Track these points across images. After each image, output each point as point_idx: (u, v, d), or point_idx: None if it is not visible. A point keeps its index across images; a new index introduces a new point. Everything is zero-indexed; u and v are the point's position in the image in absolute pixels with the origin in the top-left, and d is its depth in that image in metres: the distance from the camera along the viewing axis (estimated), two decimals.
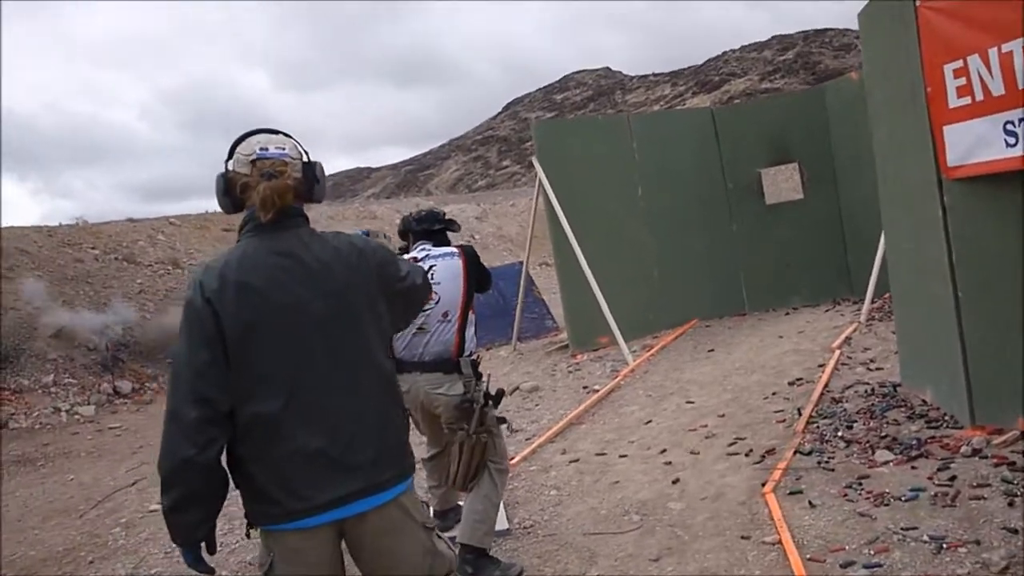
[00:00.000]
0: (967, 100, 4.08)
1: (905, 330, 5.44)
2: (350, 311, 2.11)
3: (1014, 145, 3.83)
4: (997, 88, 3.86)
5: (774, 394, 5.92)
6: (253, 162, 2.13)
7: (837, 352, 6.72)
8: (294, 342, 2.03)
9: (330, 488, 2.02)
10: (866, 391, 5.50)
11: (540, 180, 8.74)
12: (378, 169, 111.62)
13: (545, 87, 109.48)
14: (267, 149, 2.15)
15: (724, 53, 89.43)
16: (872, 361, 6.42)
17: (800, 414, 5.16)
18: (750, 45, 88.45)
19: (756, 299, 9.45)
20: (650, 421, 5.83)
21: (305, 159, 2.23)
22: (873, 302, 7.89)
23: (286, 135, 2.24)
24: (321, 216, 23.29)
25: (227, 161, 2.18)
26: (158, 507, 5.98)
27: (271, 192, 2.06)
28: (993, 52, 3.85)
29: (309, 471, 2.01)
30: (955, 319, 4.38)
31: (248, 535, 2.18)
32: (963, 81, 4.09)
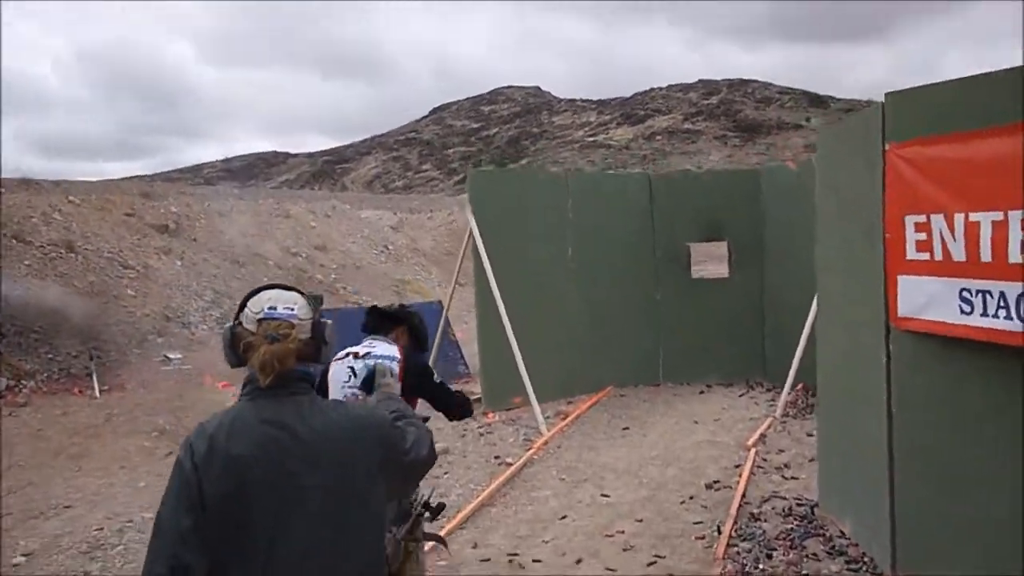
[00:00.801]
0: (926, 256, 4.03)
1: (827, 449, 5.40)
2: (342, 487, 2.01)
3: (969, 313, 3.79)
4: (958, 254, 3.81)
5: (691, 498, 5.81)
6: (260, 321, 2.06)
7: (753, 452, 6.69)
8: (276, 516, 1.95)
9: None
10: (784, 508, 5.44)
11: (471, 228, 8.48)
12: (296, 155, 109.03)
13: (474, 97, 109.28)
14: (275, 308, 2.08)
15: (652, 89, 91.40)
16: (787, 467, 6.40)
17: (720, 532, 5.04)
18: (677, 85, 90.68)
19: (672, 371, 9.42)
20: (565, 516, 5.62)
21: (315, 318, 2.15)
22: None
23: (300, 292, 2.18)
24: (230, 209, 22.39)
25: (238, 313, 2.12)
26: (22, 559, 5.48)
27: (271, 356, 1.98)
28: (959, 217, 3.80)
29: None
30: (887, 459, 4.34)
31: None
32: (924, 236, 4.03)
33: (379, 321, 3.80)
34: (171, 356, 12.04)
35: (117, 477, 6.93)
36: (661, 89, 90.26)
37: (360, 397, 3.23)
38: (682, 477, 6.29)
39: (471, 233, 8.51)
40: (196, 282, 17.24)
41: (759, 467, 6.44)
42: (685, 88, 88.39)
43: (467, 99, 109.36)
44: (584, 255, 9.01)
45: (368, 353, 3.61)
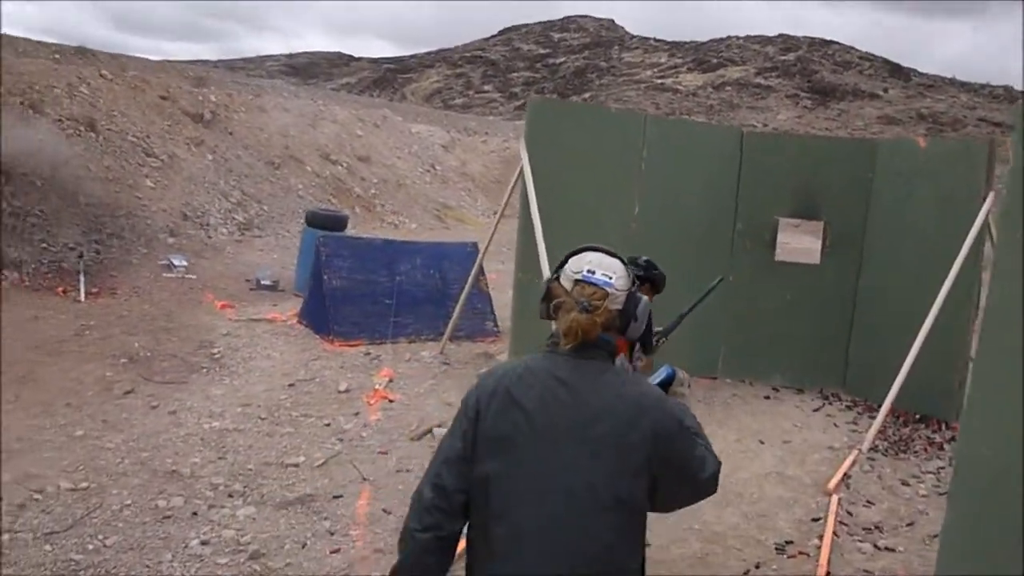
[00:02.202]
0: None
1: (961, 524, 3.87)
2: (604, 466, 1.90)
3: None
4: None
5: (757, 567, 4.34)
6: (576, 282, 2.04)
7: (835, 501, 5.19)
8: (535, 471, 1.93)
9: None
10: None
11: (523, 167, 6.91)
12: (359, 59, 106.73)
13: (545, 22, 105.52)
14: (594, 273, 2.04)
15: (728, 37, 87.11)
16: (879, 530, 4.91)
17: None
18: (755, 36, 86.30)
19: (734, 366, 7.86)
20: None
21: (632, 290, 2.09)
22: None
23: (623, 261, 2.11)
24: (274, 105, 20.88)
25: (558, 268, 2.12)
26: None
27: (577, 325, 1.96)
28: None
29: None
30: None
31: None
32: None
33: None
34: (176, 263, 10.72)
35: (54, 419, 5.62)
36: (739, 38, 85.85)
37: None
38: (745, 528, 4.82)
39: (521, 171, 6.94)
40: (224, 180, 15.88)
41: (842, 523, 4.96)
42: (764, 41, 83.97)
43: (538, 23, 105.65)
44: (651, 215, 7.40)
45: None
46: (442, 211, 21.95)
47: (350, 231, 12.83)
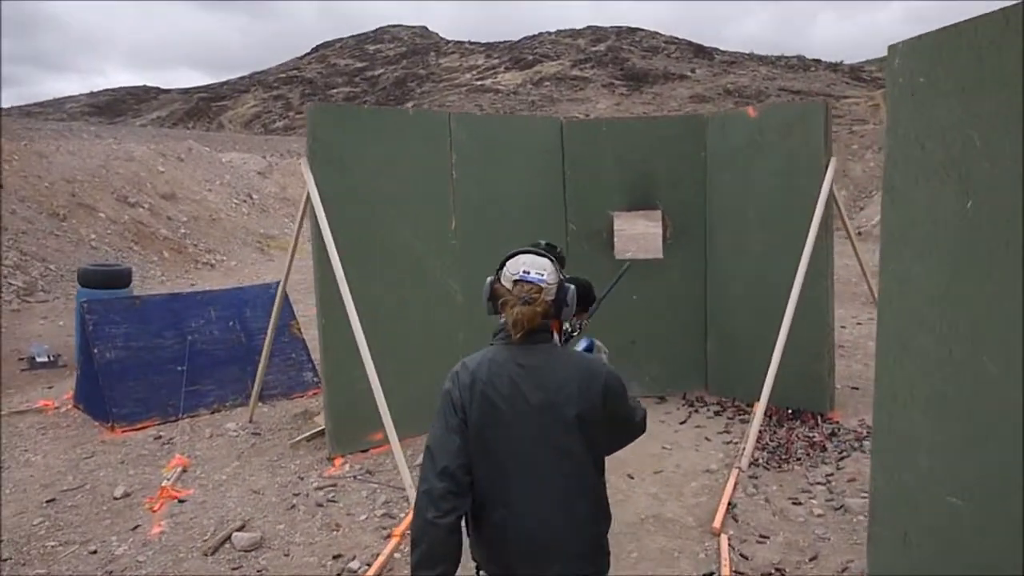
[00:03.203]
0: None
1: (890, 537, 3.02)
2: (568, 427, 2.26)
3: None
4: None
5: None
6: (515, 282, 2.36)
7: (725, 544, 4.31)
8: (519, 443, 2.26)
9: (534, 567, 2.26)
10: None
11: (308, 191, 5.67)
12: (168, 91, 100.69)
13: (359, 35, 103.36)
14: (528, 273, 2.36)
15: (540, 34, 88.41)
16: (780, 572, 4.06)
17: None
18: (566, 31, 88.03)
19: None
20: None
21: (560, 281, 2.40)
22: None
23: (550, 259, 2.41)
24: (56, 149, 18.41)
25: (498, 271, 2.44)
26: None
27: (522, 317, 2.29)
28: None
29: (522, 549, 2.26)
30: None
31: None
32: None
33: None
34: None
35: None
36: (550, 34, 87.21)
37: None
38: None
39: (308, 195, 5.69)
40: None
41: (739, 573, 4.07)
42: (574, 34, 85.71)
43: (352, 37, 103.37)
44: (472, 228, 6.37)
45: None
46: (264, 242, 20.15)
47: (158, 280, 11.06)
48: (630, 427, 2.46)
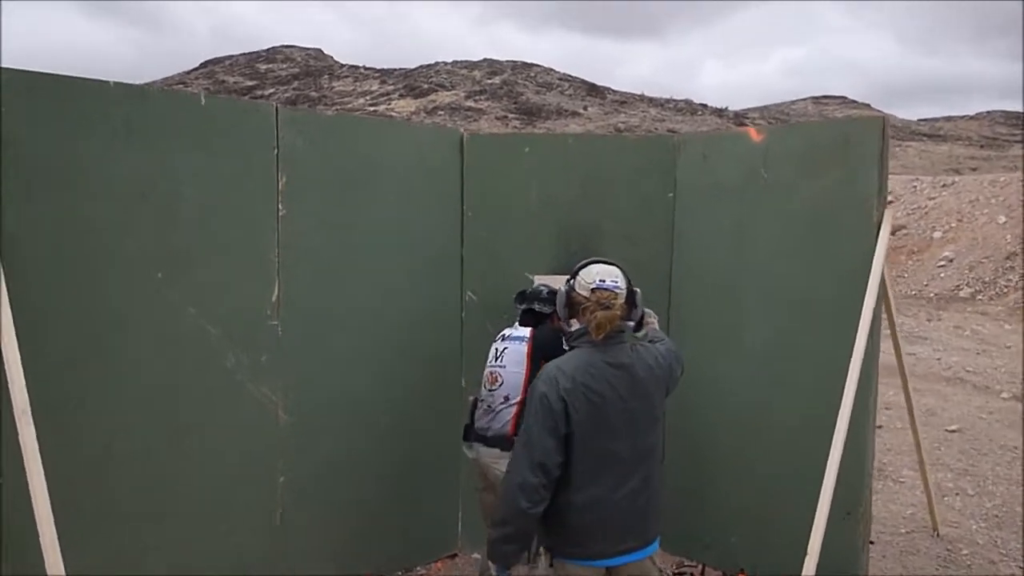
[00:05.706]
0: None
1: None
2: (653, 411, 2.67)
3: None
4: None
5: None
6: (593, 290, 2.67)
7: None
8: (617, 434, 2.57)
9: (616, 543, 2.63)
10: None
11: None
12: None
13: (250, 53, 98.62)
14: (604, 281, 2.67)
15: (436, 63, 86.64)
16: None
17: None
18: (462, 62, 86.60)
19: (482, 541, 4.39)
20: None
21: (630, 287, 2.77)
22: None
23: (620, 268, 2.76)
24: None
25: (571, 279, 2.75)
26: None
27: (605, 320, 2.57)
28: None
29: (608, 530, 2.61)
30: None
31: (532, 558, 2.90)
32: None
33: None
34: None
35: None
36: (446, 64, 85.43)
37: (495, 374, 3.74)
38: None
39: None
40: None
41: None
42: (470, 66, 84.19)
43: (242, 54, 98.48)
44: (307, 300, 3.73)
45: (502, 336, 3.87)
46: None
47: None
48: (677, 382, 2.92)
